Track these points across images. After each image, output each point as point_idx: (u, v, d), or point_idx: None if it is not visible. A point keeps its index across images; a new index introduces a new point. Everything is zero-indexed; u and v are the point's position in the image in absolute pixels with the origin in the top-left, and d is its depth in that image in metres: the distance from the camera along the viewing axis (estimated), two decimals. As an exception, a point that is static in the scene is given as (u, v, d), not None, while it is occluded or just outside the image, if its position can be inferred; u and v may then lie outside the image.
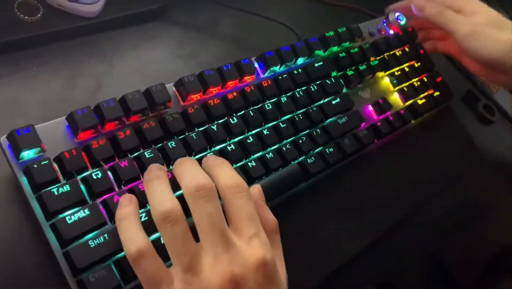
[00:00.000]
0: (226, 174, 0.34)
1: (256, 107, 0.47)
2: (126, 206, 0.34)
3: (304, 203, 0.48)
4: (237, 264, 0.31)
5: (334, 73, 0.54)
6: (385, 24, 0.62)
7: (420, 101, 0.60)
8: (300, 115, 0.49)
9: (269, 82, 0.48)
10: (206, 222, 0.31)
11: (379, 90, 0.58)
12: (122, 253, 0.35)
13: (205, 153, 0.42)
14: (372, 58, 0.58)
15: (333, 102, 0.52)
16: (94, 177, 0.36)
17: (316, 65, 0.52)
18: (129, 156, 0.39)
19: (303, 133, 0.49)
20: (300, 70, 0.51)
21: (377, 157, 0.55)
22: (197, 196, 0.32)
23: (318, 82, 0.52)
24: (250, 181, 0.43)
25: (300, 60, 0.52)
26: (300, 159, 0.48)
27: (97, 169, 0.37)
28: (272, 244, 0.34)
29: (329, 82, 0.52)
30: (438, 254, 0.65)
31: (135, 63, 0.50)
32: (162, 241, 0.32)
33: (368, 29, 0.60)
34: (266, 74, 0.49)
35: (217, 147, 0.43)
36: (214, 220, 0.31)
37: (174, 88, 0.44)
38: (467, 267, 0.66)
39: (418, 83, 0.61)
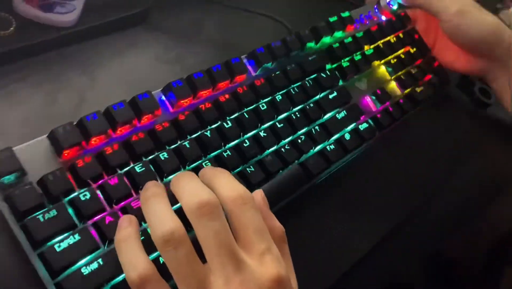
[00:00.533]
0: (228, 185, 0.32)
1: (250, 108, 0.44)
2: (126, 227, 0.31)
3: (304, 206, 0.45)
4: (250, 285, 0.28)
5: (328, 66, 0.52)
6: (377, 11, 0.60)
7: (418, 89, 0.58)
8: (297, 113, 0.47)
9: (262, 81, 0.45)
10: (213, 242, 0.28)
11: (376, 80, 0.56)
12: (120, 277, 0.33)
13: (200, 161, 0.40)
14: (366, 47, 0.55)
15: (330, 96, 0.50)
16: (82, 198, 0.34)
17: (309, 58, 0.49)
18: (119, 171, 0.36)
19: (301, 132, 0.47)
20: (293, 65, 0.48)
21: (377, 152, 0.52)
22: (201, 214, 0.29)
23: (313, 77, 0.49)
24: (250, 187, 0.41)
25: (293, 55, 0.49)
26: (300, 159, 0.45)
27: (85, 189, 0.34)
28: (281, 254, 0.32)
29: (324, 76, 0.50)
30: (442, 250, 0.63)
31: (119, 73, 0.47)
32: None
33: (360, 16, 0.57)
34: (258, 72, 0.47)
35: (212, 154, 0.41)
36: (221, 238, 0.28)
37: (162, 95, 0.41)
38: (470, 260, 0.65)
39: (415, 70, 0.59)
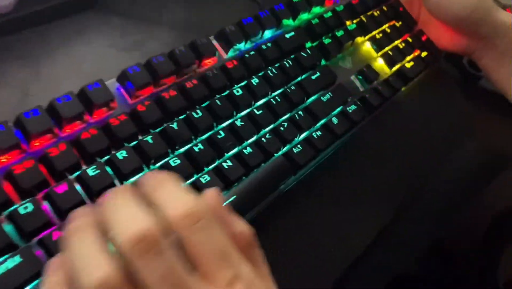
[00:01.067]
0: (172, 199, 0.24)
1: (223, 94, 0.39)
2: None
3: (292, 202, 0.40)
4: None
5: (309, 44, 0.46)
6: (357, -18, 0.54)
7: (408, 65, 0.53)
8: (277, 97, 0.41)
9: (235, 63, 0.40)
10: (160, 287, 0.22)
11: (361, 57, 0.51)
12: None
13: (166, 159, 0.34)
14: (348, 22, 0.50)
15: (313, 77, 0.45)
16: (23, 212, 0.28)
17: (287, 36, 0.44)
18: (69, 176, 0.30)
19: (283, 118, 0.41)
20: (269, 44, 0.43)
21: (368, 136, 0.48)
22: (138, 253, 0.21)
23: (292, 57, 0.44)
24: (228, 185, 0.35)
25: (268, 33, 0.44)
26: (284, 149, 0.40)
27: (28, 200, 0.28)
28: (252, 263, 0.25)
29: (304, 55, 0.45)
30: (441, 238, 0.59)
31: (68, 62, 0.41)
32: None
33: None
34: (229, 54, 0.41)
35: (181, 150, 0.35)
36: (171, 281, 0.22)
37: (117, 85, 0.35)
38: (470, 242, 0.61)
39: (403, 44, 0.54)
